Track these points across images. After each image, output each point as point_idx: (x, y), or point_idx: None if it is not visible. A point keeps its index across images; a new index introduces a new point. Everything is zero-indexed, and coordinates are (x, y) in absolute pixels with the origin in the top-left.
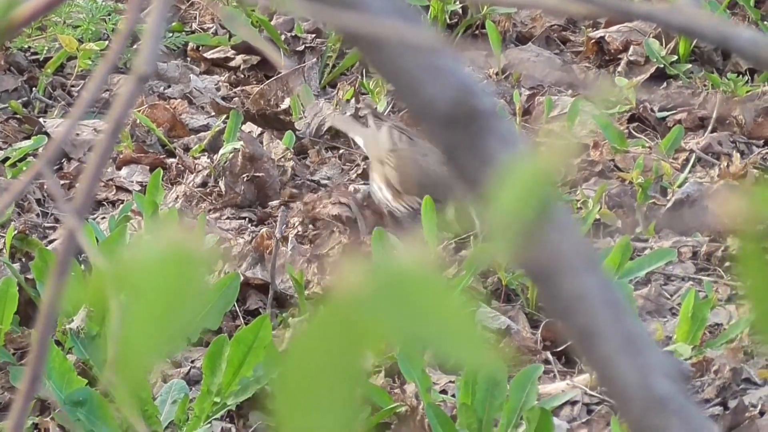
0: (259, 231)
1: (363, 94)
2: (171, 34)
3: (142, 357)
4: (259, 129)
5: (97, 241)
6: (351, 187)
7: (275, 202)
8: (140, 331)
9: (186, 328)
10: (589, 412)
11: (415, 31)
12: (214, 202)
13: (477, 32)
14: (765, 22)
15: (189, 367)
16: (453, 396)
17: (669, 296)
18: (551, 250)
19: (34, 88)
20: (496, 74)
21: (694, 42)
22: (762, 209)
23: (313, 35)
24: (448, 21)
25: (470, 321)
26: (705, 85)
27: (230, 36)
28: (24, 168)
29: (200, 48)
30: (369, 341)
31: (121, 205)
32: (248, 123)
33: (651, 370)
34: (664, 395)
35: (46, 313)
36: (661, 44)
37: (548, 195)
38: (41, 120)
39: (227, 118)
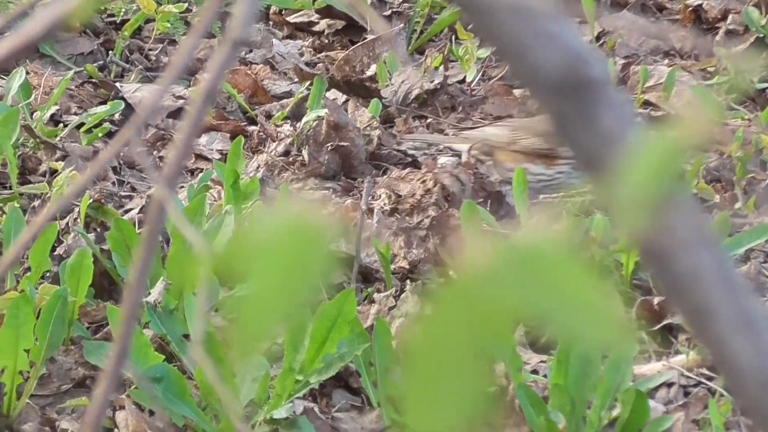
0: (344, 202)
1: (452, 61)
2: None
3: (267, 328)
4: (344, 96)
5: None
6: (441, 160)
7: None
8: (265, 303)
9: (308, 300)
10: (686, 394)
11: None
12: (296, 171)
13: None
14: None
15: (270, 344)
16: (544, 376)
17: None
18: (668, 226)
19: (110, 52)
20: (590, 42)
21: None
22: None
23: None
24: None
25: (604, 299)
26: None
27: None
28: (99, 134)
29: (283, 12)
30: (498, 321)
31: (200, 174)
32: (333, 90)
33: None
34: None
35: (133, 288)
36: (761, 12)
37: (677, 173)
38: (118, 84)
39: (311, 84)
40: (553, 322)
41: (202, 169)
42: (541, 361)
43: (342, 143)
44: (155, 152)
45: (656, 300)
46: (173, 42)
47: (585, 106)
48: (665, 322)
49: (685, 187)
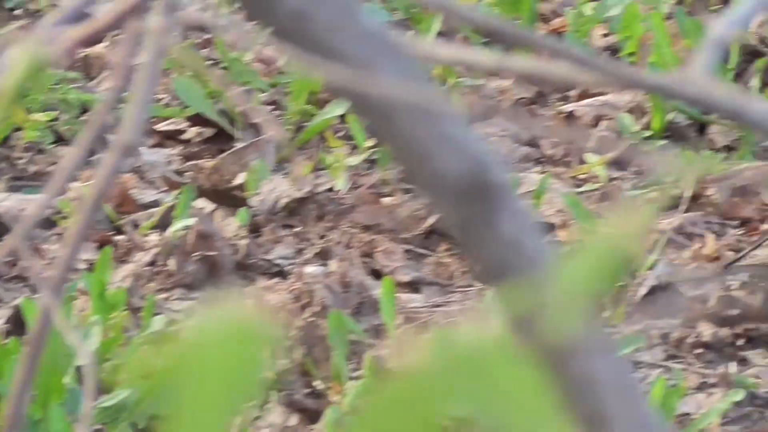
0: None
1: (321, 169)
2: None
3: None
4: (212, 205)
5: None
6: (308, 269)
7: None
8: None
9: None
10: None
11: (429, 96)
12: (163, 281)
13: None
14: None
15: None
16: None
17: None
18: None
19: None
20: None
21: (670, 116)
22: None
23: (272, 106)
24: None
25: (543, 399)
26: (679, 162)
27: (184, 107)
28: None
29: (152, 120)
30: (436, 419)
31: (67, 284)
32: (201, 199)
33: None
34: None
35: (16, 400)
36: (635, 119)
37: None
38: None
39: (179, 193)
40: (493, 425)
41: (69, 279)
42: None
43: (209, 253)
44: (20, 262)
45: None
46: (41, 151)
47: (488, 213)
48: None
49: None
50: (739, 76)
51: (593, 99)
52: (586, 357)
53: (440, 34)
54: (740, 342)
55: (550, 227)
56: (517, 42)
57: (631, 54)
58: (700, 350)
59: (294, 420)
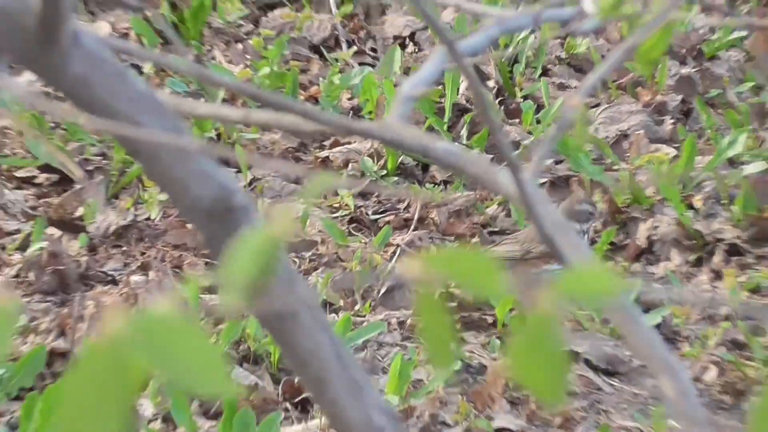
0: (61, 311)
1: (140, 203)
2: None
3: None
4: (59, 232)
5: None
6: (132, 278)
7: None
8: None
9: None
10: None
11: (185, 141)
12: (26, 289)
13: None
14: None
15: (9, 417)
16: None
17: (381, 359)
18: (294, 315)
19: None
20: (244, 187)
21: (400, 159)
22: (432, 272)
23: (100, 157)
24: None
25: (216, 359)
26: (408, 193)
27: (35, 159)
28: None
29: (12, 168)
30: (132, 377)
31: None
32: (50, 227)
33: (371, 408)
34: (381, 426)
35: None
36: (374, 161)
37: (273, 260)
38: None
39: (34, 223)
40: (175, 379)
41: None
42: (212, 426)
43: (59, 267)
44: None
45: (296, 378)
46: None
47: (230, 226)
48: (304, 395)
49: (299, 277)
50: (452, 127)
51: (343, 146)
52: (311, 333)
53: (224, 100)
54: (458, 326)
55: (313, 243)
56: (276, 105)
57: (370, 112)
58: None
59: None
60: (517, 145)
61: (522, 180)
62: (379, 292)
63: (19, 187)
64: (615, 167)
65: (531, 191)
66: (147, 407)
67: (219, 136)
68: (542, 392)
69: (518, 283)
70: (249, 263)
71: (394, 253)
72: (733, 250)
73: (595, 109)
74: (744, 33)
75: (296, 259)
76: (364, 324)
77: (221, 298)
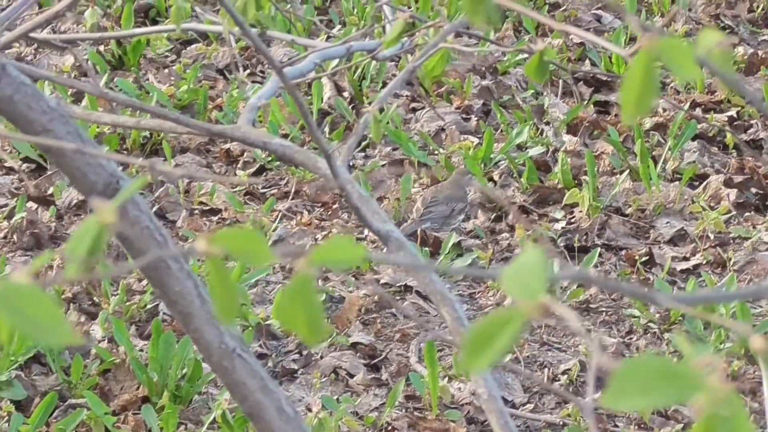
0: None
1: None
2: None
3: None
4: (36, 205)
5: None
6: None
7: None
8: None
9: None
10: None
11: (85, 142)
12: (11, 247)
13: None
14: None
15: None
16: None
17: (268, 293)
18: (159, 260)
19: None
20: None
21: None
22: (217, 246)
23: None
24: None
25: (58, 317)
26: (288, 174)
27: (18, 153)
28: None
29: (1, 160)
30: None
31: None
32: (30, 202)
33: (225, 334)
34: (232, 347)
35: None
36: (261, 150)
37: (102, 241)
38: None
39: (18, 200)
40: (30, 334)
41: None
42: (144, 344)
43: (35, 231)
44: None
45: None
46: None
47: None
48: None
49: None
50: (318, 126)
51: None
52: (179, 280)
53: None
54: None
55: (219, 210)
56: (161, 115)
57: (259, 116)
58: None
59: (83, 318)
60: (364, 137)
61: (335, 165)
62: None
63: (7, 174)
64: (435, 152)
65: (342, 173)
66: (97, 331)
67: (151, 134)
68: (303, 332)
69: (284, 253)
70: (83, 243)
71: (277, 217)
72: (522, 211)
73: (420, 111)
74: (525, 56)
75: (207, 222)
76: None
77: (66, 268)
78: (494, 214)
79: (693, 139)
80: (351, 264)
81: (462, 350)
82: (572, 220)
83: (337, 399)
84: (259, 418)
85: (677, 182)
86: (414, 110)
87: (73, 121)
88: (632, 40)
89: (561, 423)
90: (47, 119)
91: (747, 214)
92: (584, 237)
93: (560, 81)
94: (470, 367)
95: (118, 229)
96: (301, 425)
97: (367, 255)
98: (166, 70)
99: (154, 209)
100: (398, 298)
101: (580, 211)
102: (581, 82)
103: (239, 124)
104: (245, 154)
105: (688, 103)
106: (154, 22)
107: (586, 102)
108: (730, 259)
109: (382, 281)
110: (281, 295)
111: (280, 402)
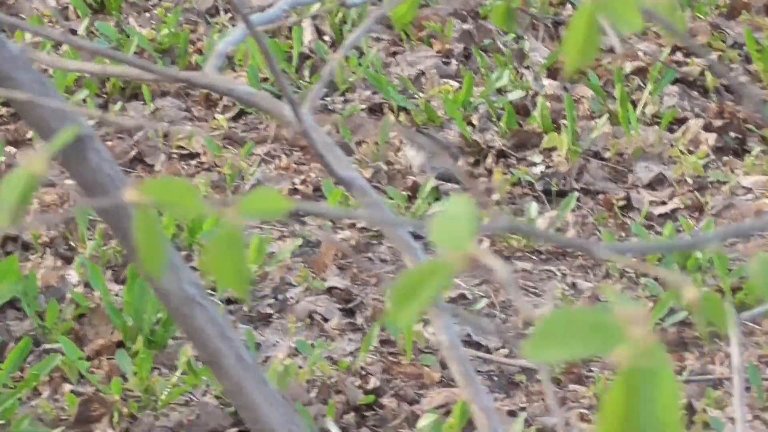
0: None
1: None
2: None
3: None
4: (15, 149)
5: None
6: (66, 182)
7: None
8: None
9: None
10: None
11: (47, 91)
12: None
13: None
14: None
15: None
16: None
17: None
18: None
19: None
20: (149, 114)
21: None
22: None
23: None
24: None
25: None
26: (267, 118)
27: None
28: None
29: None
30: None
31: None
32: (8, 146)
33: (184, 281)
34: (192, 294)
35: None
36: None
37: (30, 191)
38: None
39: None
40: None
41: None
42: (120, 289)
43: None
44: None
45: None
46: None
47: (82, 151)
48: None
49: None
50: (299, 70)
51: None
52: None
53: (135, 52)
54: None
55: (197, 155)
56: (128, 62)
57: (239, 59)
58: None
59: (59, 263)
60: (345, 81)
61: (299, 112)
62: (245, 190)
63: None
64: (415, 96)
65: (306, 121)
66: (73, 276)
67: (128, 82)
68: (231, 285)
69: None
70: (13, 193)
71: (255, 161)
72: (501, 155)
73: (401, 55)
74: None
75: (185, 166)
76: None
77: None
78: (474, 159)
79: (673, 83)
80: (278, 215)
81: (388, 301)
82: (551, 165)
83: (312, 344)
84: (218, 365)
85: (657, 126)
86: (394, 54)
87: (36, 70)
88: None
89: (536, 368)
90: (11, 67)
91: (725, 158)
92: (562, 181)
93: (541, 25)
94: (396, 318)
95: (77, 176)
96: (259, 372)
97: (295, 206)
98: (147, 14)
99: (133, 153)
100: (375, 242)
101: (559, 155)
102: (562, 26)
103: (206, 71)
104: (225, 98)
105: (669, 48)
106: None
107: None
108: (708, 203)
109: (359, 225)
110: (208, 246)
111: (239, 349)
